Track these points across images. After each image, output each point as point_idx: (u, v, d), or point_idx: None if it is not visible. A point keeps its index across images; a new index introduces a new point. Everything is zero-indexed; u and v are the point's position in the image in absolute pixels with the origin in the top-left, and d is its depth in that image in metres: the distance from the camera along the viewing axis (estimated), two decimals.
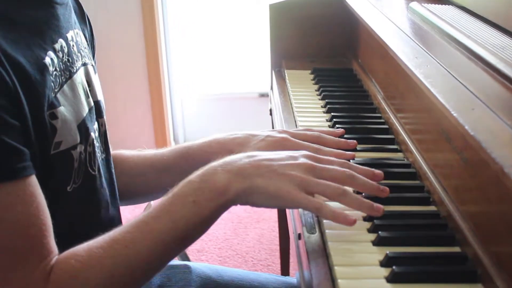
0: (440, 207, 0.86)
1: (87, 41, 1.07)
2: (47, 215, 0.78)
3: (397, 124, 1.11)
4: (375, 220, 0.82)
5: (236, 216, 2.68)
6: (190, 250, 2.43)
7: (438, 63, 0.96)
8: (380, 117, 1.20)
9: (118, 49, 3.18)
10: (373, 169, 0.89)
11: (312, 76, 1.47)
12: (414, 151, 1.00)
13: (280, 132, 1.05)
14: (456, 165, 0.83)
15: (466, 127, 0.74)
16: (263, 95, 3.32)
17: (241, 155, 0.87)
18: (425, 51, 1.02)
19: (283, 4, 1.58)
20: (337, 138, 1.04)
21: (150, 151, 1.18)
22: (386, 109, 1.18)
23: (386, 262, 0.74)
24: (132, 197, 1.18)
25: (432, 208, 0.88)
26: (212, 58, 3.42)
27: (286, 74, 1.50)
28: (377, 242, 0.79)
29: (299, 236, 0.87)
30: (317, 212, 0.83)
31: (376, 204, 0.83)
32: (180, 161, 1.11)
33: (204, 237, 2.74)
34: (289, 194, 0.81)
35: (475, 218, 0.77)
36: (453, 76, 0.89)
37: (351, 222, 0.80)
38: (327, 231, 0.82)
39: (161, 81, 3.24)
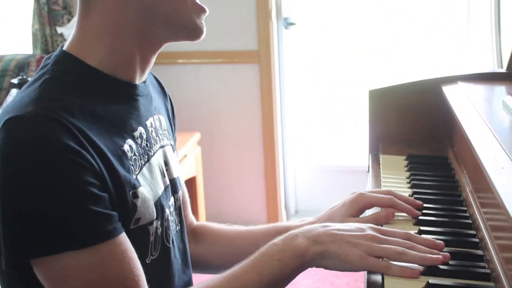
0: None
1: (168, 120, 1.19)
2: (140, 268, 0.91)
3: (479, 220, 1.11)
4: None
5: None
6: None
7: None
8: (465, 211, 1.20)
9: (236, 120, 3.34)
10: (434, 239, 0.99)
11: (405, 163, 1.49)
12: (491, 249, 1.00)
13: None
14: None
15: None
16: None
17: (317, 225, 1.02)
18: (505, 151, 1.03)
19: (383, 90, 1.63)
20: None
21: (242, 227, 1.30)
22: (472, 203, 1.19)
23: None
24: (223, 266, 1.25)
25: None
26: (326, 130, 3.50)
27: (381, 159, 1.53)
28: None
29: None
30: (386, 271, 0.94)
31: (435, 256, 0.95)
32: None
33: None
34: (358, 258, 0.95)
35: None
36: None
37: (417, 274, 0.93)
38: None
39: (275, 151, 3.36)
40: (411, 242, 0.98)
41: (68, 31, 3.04)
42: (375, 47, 3.41)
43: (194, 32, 1.04)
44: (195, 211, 3.00)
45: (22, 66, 2.90)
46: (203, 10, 1.03)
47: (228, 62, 3.29)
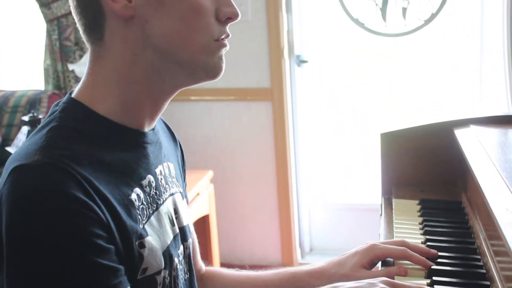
0: None
1: (178, 166, 1.18)
2: None
3: (493, 270, 1.08)
4: None
5: None
6: None
7: None
8: (478, 260, 1.17)
9: (249, 158, 3.34)
10: None
11: (418, 208, 1.47)
12: None
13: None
14: None
15: None
16: None
17: (328, 286, 0.99)
18: None
19: (394, 133, 1.61)
20: None
21: (251, 272, 1.28)
22: (486, 251, 1.16)
23: None
24: None
25: None
26: (340, 168, 3.47)
27: (393, 203, 1.51)
28: None
29: None
30: None
31: None
32: (285, 285, 1.19)
33: None
34: None
35: None
36: None
37: None
38: None
39: (289, 188, 3.33)
40: None
41: (80, 68, 3.05)
42: (398, 87, 3.37)
43: (213, 72, 1.01)
44: (208, 250, 2.98)
45: (33, 102, 2.92)
46: (224, 46, 1.02)
47: (240, 99, 3.29)
